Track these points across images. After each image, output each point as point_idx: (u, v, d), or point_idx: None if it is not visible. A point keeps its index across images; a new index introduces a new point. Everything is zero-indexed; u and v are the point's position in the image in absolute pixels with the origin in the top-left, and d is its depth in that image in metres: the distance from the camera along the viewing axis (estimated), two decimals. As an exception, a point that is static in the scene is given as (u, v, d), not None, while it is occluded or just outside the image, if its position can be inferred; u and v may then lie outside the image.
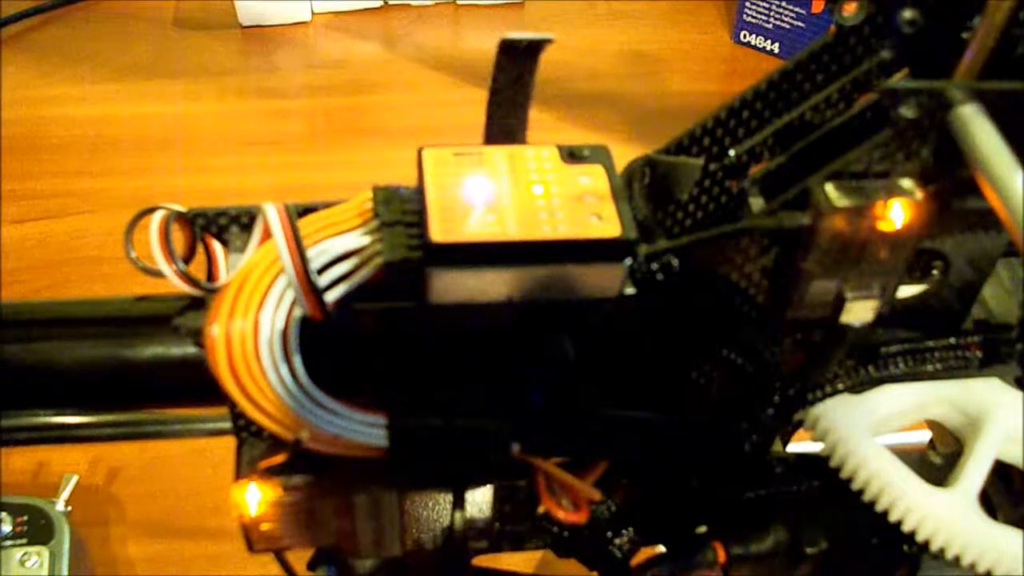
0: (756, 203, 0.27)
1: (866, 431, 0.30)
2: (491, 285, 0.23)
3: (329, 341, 0.25)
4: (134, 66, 1.07)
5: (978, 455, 0.31)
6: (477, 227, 0.23)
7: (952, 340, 0.31)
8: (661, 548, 0.35)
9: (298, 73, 1.08)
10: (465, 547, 0.32)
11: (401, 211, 0.24)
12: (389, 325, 0.25)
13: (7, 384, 0.26)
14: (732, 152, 0.28)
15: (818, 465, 0.32)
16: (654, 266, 0.25)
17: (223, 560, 0.67)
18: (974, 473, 0.31)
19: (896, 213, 0.24)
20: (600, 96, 1.05)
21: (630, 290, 0.25)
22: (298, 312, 0.24)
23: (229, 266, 0.27)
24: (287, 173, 0.96)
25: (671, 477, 0.32)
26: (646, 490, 0.32)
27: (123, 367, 0.26)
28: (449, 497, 0.30)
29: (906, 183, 0.24)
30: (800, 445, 0.34)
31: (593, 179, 0.24)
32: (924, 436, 0.36)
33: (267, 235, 0.24)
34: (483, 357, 0.26)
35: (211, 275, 0.27)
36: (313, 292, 0.23)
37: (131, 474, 0.73)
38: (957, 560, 0.30)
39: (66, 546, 0.61)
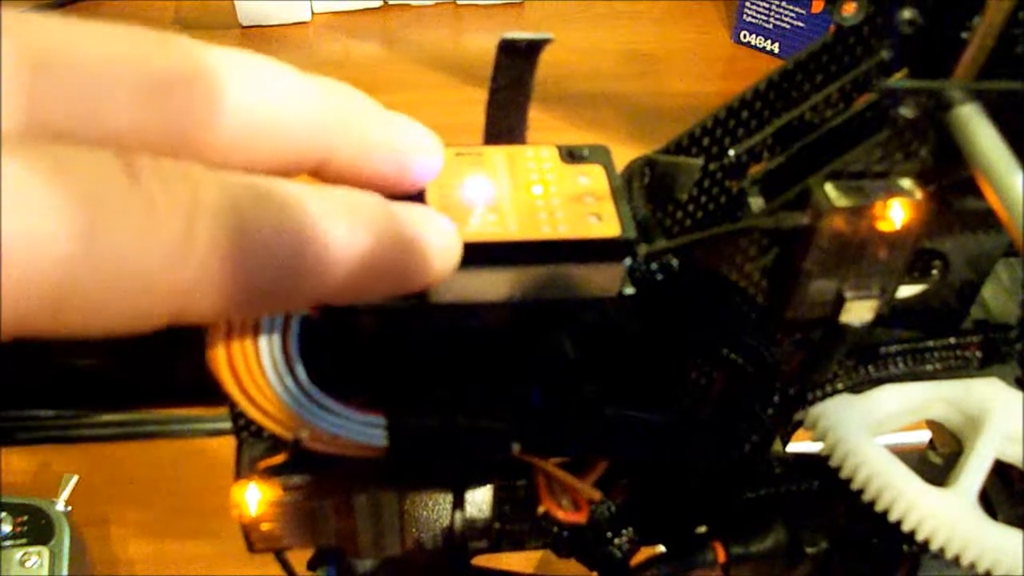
0: (756, 203, 0.27)
1: (866, 431, 0.30)
2: (491, 285, 0.23)
3: (329, 341, 0.25)
4: (134, 66, 1.07)
5: (978, 455, 0.31)
6: (477, 227, 0.23)
7: (952, 340, 0.31)
8: (661, 548, 0.35)
9: (298, 73, 1.08)
10: (465, 547, 0.32)
11: (401, 211, 0.24)
12: (389, 325, 0.25)
13: (7, 384, 0.26)
14: (732, 152, 0.28)
15: (818, 465, 0.32)
16: (654, 266, 0.25)
17: (223, 560, 0.67)
18: (974, 473, 0.31)
19: (896, 213, 0.24)
20: (600, 96, 1.05)
21: (630, 290, 0.25)
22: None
23: (229, 266, 0.27)
24: (287, 173, 0.96)
25: (671, 477, 0.32)
26: (646, 490, 0.32)
27: (123, 367, 0.26)
28: (449, 497, 0.30)
29: (906, 183, 0.24)
30: (800, 445, 0.34)
31: (593, 179, 0.24)
32: (924, 436, 0.36)
33: (267, 235, 0.24)
34: (483, 357, 0.25)
35: (211, 275, 0.27)
36: (313, 292, 0.23)
37: (131, 474, 0.72)
38: (957, 560, 0.30)
39: (66, 546, 0.60)
